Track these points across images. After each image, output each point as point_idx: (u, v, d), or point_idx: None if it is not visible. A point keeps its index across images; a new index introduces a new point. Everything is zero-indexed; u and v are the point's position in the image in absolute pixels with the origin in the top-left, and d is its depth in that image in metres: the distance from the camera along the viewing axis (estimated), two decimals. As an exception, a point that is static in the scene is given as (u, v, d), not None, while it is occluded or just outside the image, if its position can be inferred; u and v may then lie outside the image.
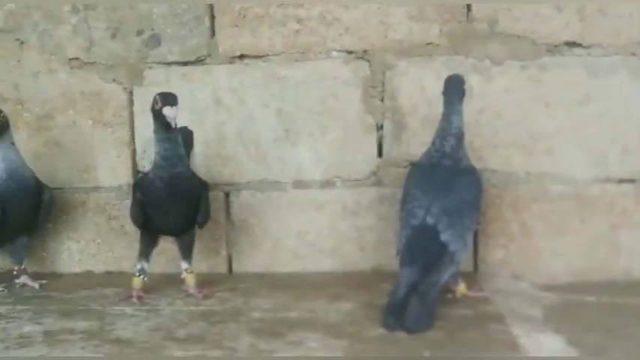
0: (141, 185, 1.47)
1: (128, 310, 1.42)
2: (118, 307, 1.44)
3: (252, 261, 1.75)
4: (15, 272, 1.66)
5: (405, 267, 1.32)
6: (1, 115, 1.57)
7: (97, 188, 1.78)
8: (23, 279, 1.64)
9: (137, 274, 1.49)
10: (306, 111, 1.70)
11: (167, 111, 1.38)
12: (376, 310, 1.35)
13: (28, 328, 1.31)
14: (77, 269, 1.81)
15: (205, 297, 1.49)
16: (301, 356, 1.12)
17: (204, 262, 1.72)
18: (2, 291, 1.60)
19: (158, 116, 1.40)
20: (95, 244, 1.80)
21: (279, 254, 1.75)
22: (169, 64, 1.74)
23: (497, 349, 1.12)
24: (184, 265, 1.52)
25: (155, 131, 1.42)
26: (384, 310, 1.28)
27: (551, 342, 1.18)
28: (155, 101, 1.41)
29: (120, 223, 1.77)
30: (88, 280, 1.72)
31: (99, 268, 1.81)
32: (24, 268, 1.67)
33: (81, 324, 1.33)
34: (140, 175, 1.59)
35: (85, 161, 1.79)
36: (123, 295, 1.50)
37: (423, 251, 1.33)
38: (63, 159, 1.79)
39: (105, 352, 1.16)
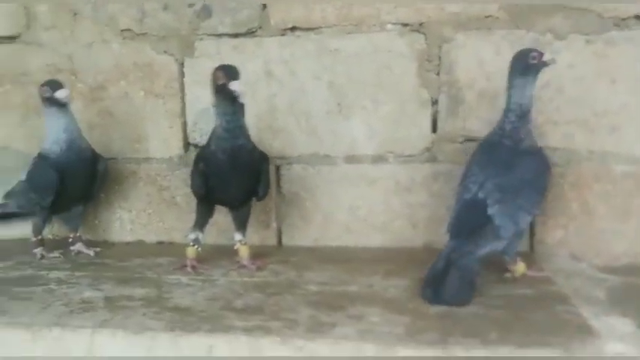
0: (203, 157, 1.45)
1: (183, 279, 1.41)
2: (173, 276, 1.44)
3: (303, 234, 1.73)
4: (70, 239, 1.67)
5: (450, 240, 1.30)
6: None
7: (148, 159, 1.78)
8: (78, 246, 1.66)
9: (191, 243, 1.48)
10: (359, 84, 1.67)
11: (234, 86, 1.35)
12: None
13: (88, 294, 1.31)
14: (129, 238, 1.81)
15: (259, 269, 1.48)
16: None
17: (254, 234, 1.70)
18: (58, 257, 1.62)
19: (222, 91, 1.36)
20: (146, 214, 1.79)
21: (330, 228, 1.72)
22: (220, 35, 1.71)
23: (570, 332, 1.07)
24: (238, 236, 1.50)
25: (217, 105, 1.40)
26: (423, 282, 1.25)
27: (621, 325, 1.13)
28: (217, 76, 1.37)
29: (171, 194, 1.77)
30: (140, 249, 1.72)
31: (150, 238, 1.80)
32: (79, 236, 1.68)
33: (139, 291, 1.32)
34: (201, 146, 1.56)
35: (136, 132, 1.78)
36: (177, 264, 1.49)
37: (467, 223, 1.30)
38: (115, 130, 1.78)
39: (166, 319, 1.15)
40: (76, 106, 1.76)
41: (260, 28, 1.69)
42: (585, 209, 1.59)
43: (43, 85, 1.55)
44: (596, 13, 1.56)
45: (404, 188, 1.68)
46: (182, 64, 1.73)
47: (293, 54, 1.67)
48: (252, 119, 1.68)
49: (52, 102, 1.54)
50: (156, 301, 1.26)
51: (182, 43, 1.72)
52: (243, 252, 1.50)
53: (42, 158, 1.57)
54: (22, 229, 1.76)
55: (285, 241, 1.74)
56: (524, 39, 1.59)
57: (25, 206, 1.63)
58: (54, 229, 1.84)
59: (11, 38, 1.79)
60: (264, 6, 1.68)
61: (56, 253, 1.64)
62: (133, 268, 1.51)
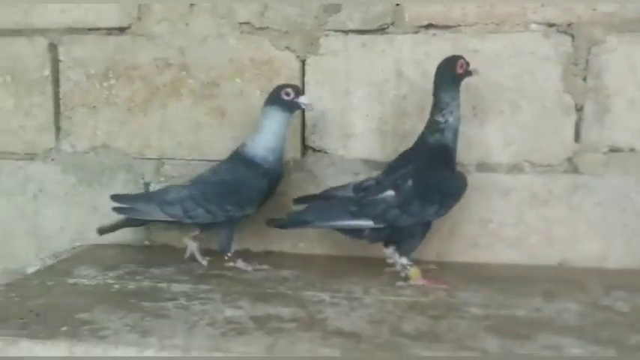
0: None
1: (324, 296, 1.25)
2: (309, 292, 1.27)
3: (424, 248, 1.55)
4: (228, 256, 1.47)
5: None
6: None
7: (260, 162, 1.60)
8: (239, 263, 1.46)
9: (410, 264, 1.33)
10: (497, 88, 1.50)
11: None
12: (609, 312, 1.16)
13: (229, 312, 1.14)
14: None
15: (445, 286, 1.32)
16: None
17: (374, 247, 1.52)
18: (266, 269, 1.44)
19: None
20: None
21: (455, 242, 1.55)
22: (347, 32, 1.54)
23: None
24: (404, 260, 1.35)
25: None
26: None
27: None
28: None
29: (288, 199, 1.59)
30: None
31: (257, 247, 1.63)
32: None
33: (284, 310, 1.16)
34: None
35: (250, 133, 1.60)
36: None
37: None
38: (227, 130, 1.61)
39: (337, 346, 0.98)
40: (184, 104, 1.61)
41: (392, 24, 1.52)
42: None
43: (283, 87, 1.40)
44: None
45: (540, 201, 1.50)
46: (304, 62, 1.56)
47: (427, 53, 1.50)
48: (375, 122, 1.53)
49: (287, 106, 1.39)
50: (310, 322, 1.09)
51: (306, 38, 1.56)
52: (415, 274, 1.33)
53: (249, 163, 1.40)
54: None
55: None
56: (686, 43, 1.41)
57: (202, 217, 1.40)
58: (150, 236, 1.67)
59: (121, 30, 1.63)
60: (398, 3, 1.51)
61: (251, 266, 1.44)
62: (257, 281, 1.34)
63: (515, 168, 1.52)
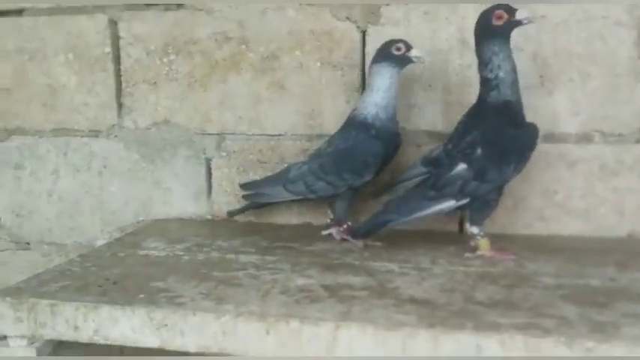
0: None
1: (392, 266, 1.26)
2: (377, 263, 1.28)
3: (490, 220, 1.53)
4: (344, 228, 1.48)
5: None
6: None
7: (321, 136, 1.61)
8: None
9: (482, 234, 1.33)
10: (565, 55, 1.47)
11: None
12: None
13: (301, 281, 1.16)
14: (295, 221, 1.67)
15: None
16: None
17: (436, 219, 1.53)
18: (380, 245, 1.41)
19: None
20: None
21: (520, 215, 1.54)
22: (408, 0, 1.53)
23: None
24: (475, 229, 1.34)
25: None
26: None
27: None
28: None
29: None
30: (310, 230, 1.58)
31: (316, 220, 1.65)
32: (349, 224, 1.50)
33: (355, 279, 1.17)
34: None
35: (310, 107, 1.62)
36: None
37: None
38: (287, 103, 1.63)
39: (413, 313, 0.99)
40: (244, 78, 1.63)
41: (454, -9, 1.51)
42: None
43: (393, 42, 1.39)
44: None
45: (610, 171, 1.48)
46: (364, 32, 1.56)
47: (492, 21, 1.48)
48: (435, 94, 1.53)
49: (397, 61, 1.39)
50: (382, 291, 1.10)
51: (366, 8, 1.56)
52: (485, 245, 1.32)
53: (362, 125, 1.40)
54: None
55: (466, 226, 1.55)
56: None
57: (323, 189, 1.41)
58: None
59: (179, 4, 1.65)
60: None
61: (363, 242, 1.41)
62: (322, 253, 1.36)
63: (584, 138, 1.49)
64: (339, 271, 1.23)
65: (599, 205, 1.50)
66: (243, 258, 1.32)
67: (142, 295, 1.09)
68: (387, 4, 1.55)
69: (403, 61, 1.39)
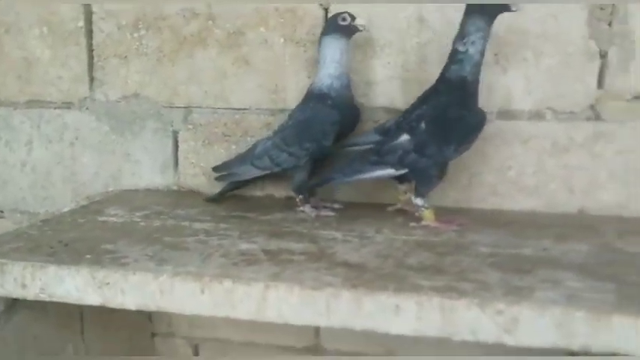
0: None
1: (337, 234, 1.29)
2: (324, 232, 1.31)
3: (443, 195, 1.58)
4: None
5: None
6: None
7: (284, 110, 1.65)
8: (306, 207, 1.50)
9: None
10: (519, 34, 1.49)
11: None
12: (619, 253, 1.17)
13: (244, 246, 1.20)
14: (259, 193, 1.70)
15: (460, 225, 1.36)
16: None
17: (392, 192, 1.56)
18: (333, 215, 1.47)
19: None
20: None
21: (475, 190, 1.57)
22: (370, -21, 1.56)
23: None
24: (420, 201, 1.38)
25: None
26: None
27: None
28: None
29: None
30: (274, 202, 1.62)
31: (279, 193, 1.69)
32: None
33: (296, 245, 1.21)
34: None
35: (274, 81, 1.65)
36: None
37: None
38: (252, 78, 1.66)
39: (341, 275, 1.03)
40: (210, 54, 1.66)
41: (421, -26, 1.53)
42: None
43: (339, 14, 1.44)
44: None
45: (561, 148, 1.51)
46: (327, 10, 1.59)
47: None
48: (398, 70, 1.55)
49: (344, 32, 1.43)
50: (320, 255, 1.14)
51: (329, -14, 1.58)
52: (429, 215, 1.36)
53: (318, 97, 1.44)
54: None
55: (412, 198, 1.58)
56: None
57: (287, 161, 1.45)
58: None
59: (150, -19, 1.68)
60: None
61: (316, 212, 1.46)
62: (276, 222, 1.40)
63: (536, 115, 1.52)
64: (285, 238, 1.27)
65: (550, 181, 1.52)
66: (196, 225, 1.36)
67: (88, 256, 1.13)
68: (335, -19, 1.57)
69: (350, 30, 1.43)
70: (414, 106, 1.36)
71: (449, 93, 1.32)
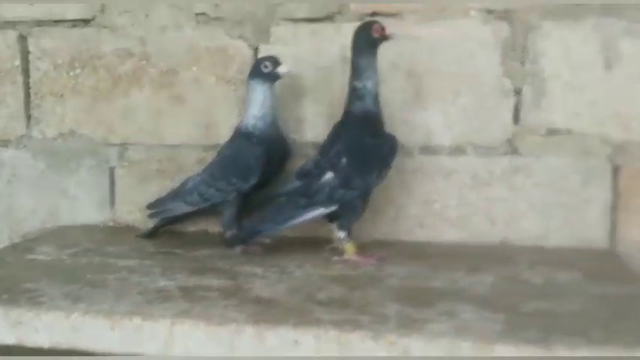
0: None
1: (258, 270, 1.35)
2: (247, 267, 1.37)
3: (373, 228, 1.65)
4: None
5: None
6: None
7: (216, 146, 1.70)
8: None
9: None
10: (438, 73, 1.58)
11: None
12: (522, 284, 1.25)
13: (163, 283, 1.25)
14: (192, 228, 1.75)
15: (380, 259, 1.42)
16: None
17: (322, 227, 1.61)
18: (260, 253, 1.50)
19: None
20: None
21: (402, 222, 1.64)
22: (297, 20, 1.64)
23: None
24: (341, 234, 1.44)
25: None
26: None
27: None
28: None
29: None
30: (205, 238, 1.66)
31: (213, 228, 1.74)
32: None
33: (215, 282, 1.26)
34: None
35: (206, 119, 1.72)
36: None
37: None
38: (185, 116, 1.72)
39: (248, 310, 1.09)
40: (144, 92, 1.72)
41: (339, 13, 1.61)
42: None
43: (262, 60, 1.52)
44: (699, 0, 1.44)
45: (482, 181, 1.59)
46: (256, 49, 1.66)
47: (371, 41, 1.59)
48: (322, 108, 1.62)
49: (267, 78, 1.50)
50: (234, 291, 1.20)
51: (257, 27, 1.66)
52: (350, 249, 1.42)
53: (244, 136, 1.52)
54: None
55: (355, 235, 1.64)
56: (614, 27, 1.49)
57: (215, 196, 1.51)
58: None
59: (85, 21, 1.75)
60: (345, -10, 1.61)
61: (243, 248, 1.49)
62: (202, 258, 1.45)
63: (457, 150, 1.60)
64: (207, 274, 1.32)
65: (472, 213, 1.60)
66: (122, 262, 1.41)
67: (5, 296, 1.17)
68: (277, 24, 1.64)
69: (272, 77, 1.50)
70: (328, 144, 1.43)
71: (359, 126, 1.40)
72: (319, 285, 1.24)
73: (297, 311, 1.08)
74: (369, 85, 1.39)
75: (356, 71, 1.40)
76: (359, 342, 0.99)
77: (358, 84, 1.39)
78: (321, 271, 1.35)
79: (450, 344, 0.97)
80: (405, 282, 1.26)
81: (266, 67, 1.49)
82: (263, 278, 1.29)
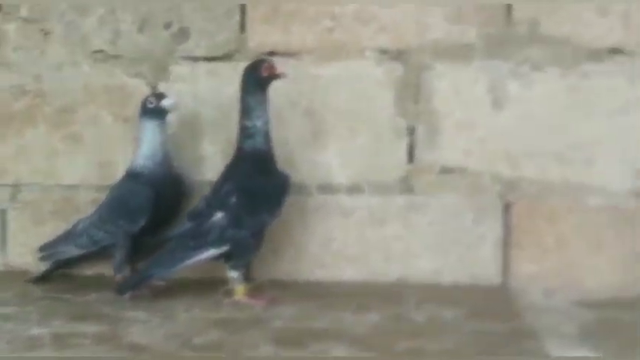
0: None
1: (142, 315, 1.34)
2: (131, 312, 1.36)
3: (274, 268, 1.66)
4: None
5: None
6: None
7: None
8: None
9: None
10: (335, 112, 1.63)
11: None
12: (405, 322, 1.28)
13: (36, 331, 1.23)
14: (88, 272, 1.72)
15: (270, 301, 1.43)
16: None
17: (222, 268, 1.62)
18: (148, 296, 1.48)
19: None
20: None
21: (302, 262, 1.66)
22: (196, 59, 1.66)
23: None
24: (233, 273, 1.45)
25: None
26: None
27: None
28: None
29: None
30: (100, 281, 1.63)
31: (110, 272, 1.72)
32: None
33: (92, 328, 1.25)
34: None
35: (104, 158, 1.71)
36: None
37: None
38: (82, 155, 1.72)
39: (117, 358, 1.08)
40: (40, 131, 1.71)
41: (237, 52, 1.64)
42: (559, 242, 1.56)
43: (146, 98, 1.53)
44: (572, 46, 1.55)
45: (379, 220, 1.62)
46: (155, 88, 1.68)
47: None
48: (221, 146, 1.64)
49: (154, 114, 1.51)
50: (110, 338, 1.19)
51: (156, 66, 1.68)
52: (240, 290, 1.42)
53: (132, 176, 1.51)
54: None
55: (255, 274, 1.66)
56: (502, 69, 1.56)
57: (104, 239, 1.51)
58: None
59: (-22, 58, 1.73)
60: (243, 29, 1.64)
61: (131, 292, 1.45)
62: (89, 303, 1.44)
63: (354, 189, 1.63)
64: (86, 320, 1.30)
65: (370, 251, 1.63)
66: (2, 310, 1.37)
67: None
68: (176, 63, 1.66)
69: (157, 112, 1.51)
70: (220, 183, 1.45)
71: (249, 165, 1.42)
72: (200, 329, 1.24)
73: (167, 357, 1.08)
74: (259, 123, 1.41)
75: (245, 110, 1.42)
76: (221, 386, 1.00)
77: (248, 123, 1.41)
78: (208, 314, 1.35)
79: (317, 386, 0.99)
80: (289, 323, 1.27)
81: (150, 102, 1.51)
82: (145, 323, 1.28)
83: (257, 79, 1.42)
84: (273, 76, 1.43)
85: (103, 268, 1.69)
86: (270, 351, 1.11)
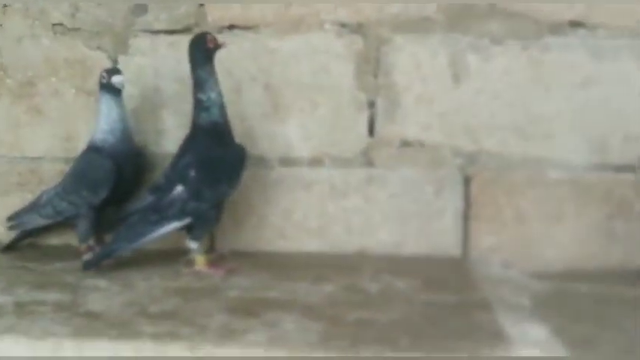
0: None
1: (102, 283, 1.41)
2: (92, 280, 1.43)
3: (236, 238, 1.73)
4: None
5: None
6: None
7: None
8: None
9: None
10: (295, 85, 1.68)
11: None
12: (358, 293, 1.35)
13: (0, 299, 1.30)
14: (55, 241, 1.79)
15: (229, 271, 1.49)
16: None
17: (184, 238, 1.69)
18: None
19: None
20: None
21: (264, 233, 1.73)
22: (155, 32, 1.71)
23: (481, 338, 1.09)
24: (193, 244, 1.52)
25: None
26: None
27: (537, 331, 1.16)
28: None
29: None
30: (66, 250, 1.70)
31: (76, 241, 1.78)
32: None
33: (52, 296, 1.32)
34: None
35: (67, 130, 1.76)
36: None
37: None
38: (45, 127, 1.77)
39: (73, 325, 1.15)
40: (3, 103, 1.75)
41: (197, 25, 1.69)
42: (518, 215, 1.62)
43: (102, 72, 1.57)
44: (533, 19, 1.60)
45: (340, 192, 1.69)
46: (116, 61, 1.72)
47: (230, 53, 1.66)
48: (182, 119, 1.69)
49: (109, 89, 1.55)
50: (68, 306, 1.25)
51: (116, 39, 1.72)
52: (200, 260, 1.49)
53: (94, 149, 1.57)
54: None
55: (218, 246, 1.73)
56: (461, 42, 1.61)
57: (68, 210, 1.58)
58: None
59: (-64, 31, 1.76)
60: (202, 2, 1.68)
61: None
62: (54, 272, 1.50)
63: (315, 162, 1.70)
64: (49, 288, 1.37)
65: (331, 223, 1.70)
66: (-35, 279, 1.44)
67: None
68: (136, 36, 1.71)
69: (110, 88, 1.57)
70: (178, 157, 1.51)
71: (206, 138, 1.48)
72: (157, 297, 1.31)
73: (121, 324, 1.15)
74: (213, 95, 1.47)
75: (198, 83, 1.47)
76: (177, 352, 1.07)
77: (202, 96, 1.46)
78: (167, 283, 1.41)
79: (265, 353, 1.06)
80: (244, 293, 1.34)
81: (104, 77, 1.56)
82: (104, 291, 1.35)
83: (205, 50, 1.47)
84: (217, 46, 1.48)
85: (70, 238, 1.75)
86: (223, 320, 1.18)
